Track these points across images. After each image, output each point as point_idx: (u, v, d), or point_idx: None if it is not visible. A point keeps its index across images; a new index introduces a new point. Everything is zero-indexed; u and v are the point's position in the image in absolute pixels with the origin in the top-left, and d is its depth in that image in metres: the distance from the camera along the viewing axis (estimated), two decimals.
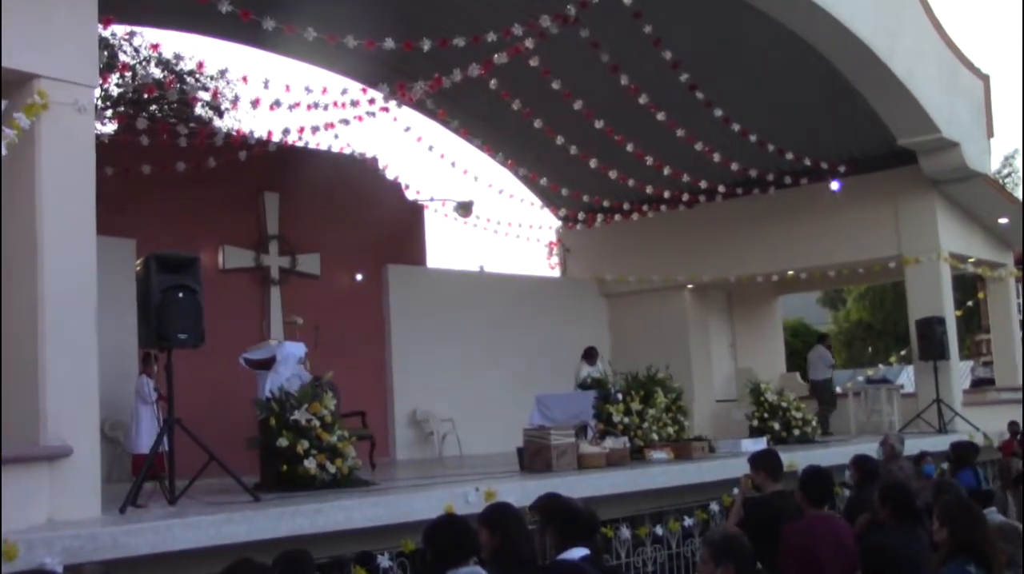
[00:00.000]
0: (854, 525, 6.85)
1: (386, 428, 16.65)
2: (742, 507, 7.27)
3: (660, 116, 14.54)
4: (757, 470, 7.15)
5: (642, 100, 14.22)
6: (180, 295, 7.97)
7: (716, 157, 15.60)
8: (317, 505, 7.62)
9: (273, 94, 12.59)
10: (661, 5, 13.67)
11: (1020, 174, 38.21)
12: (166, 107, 20.91)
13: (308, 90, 12.81)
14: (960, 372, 17.00)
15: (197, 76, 22.16)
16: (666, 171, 15.92)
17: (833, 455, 11.92)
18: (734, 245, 18.66)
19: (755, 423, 14.59)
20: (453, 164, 16.40)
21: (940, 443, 12.96)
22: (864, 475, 8.17)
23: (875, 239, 17.36)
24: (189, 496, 7.91)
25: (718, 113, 14.91)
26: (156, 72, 21.62)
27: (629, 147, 15.17)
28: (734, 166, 16.20)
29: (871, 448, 10.89)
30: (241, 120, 22.76)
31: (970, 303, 22.35)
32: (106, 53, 18.99)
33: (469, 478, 10.02)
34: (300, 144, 14.98)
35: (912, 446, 11.90)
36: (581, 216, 19.04)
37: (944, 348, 16.41)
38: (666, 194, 17.39)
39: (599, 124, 14.56)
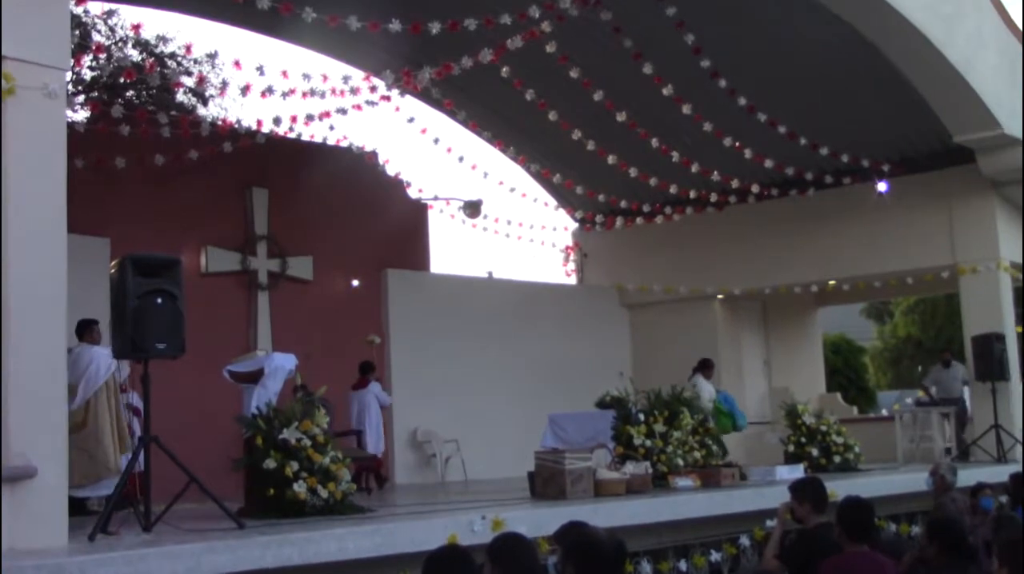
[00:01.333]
0: (899, 563, 6.82)
1: (384, 449, 16.63)
2: (780, 540, 7.23)
3: (686, 109, 14.53)
4: (800, 500, 7.12)
5: (667, 91, 14.21)
6: (158, 301, 7.96)
7: (747, 153, 15.59)
8: (307, 533, 7.59)
9: (267, 81, 12.63)
10: None
11: None
12: (145, 93, 20.96)
13: (306, 77, 12.84)
14: (1021, 395, 16.87)
15: (179, 59, 22.22)
16: (693, 168, 15.92)
17: (877, 485, 11.86)
18: (769, 252, 18.62)
19: (791, 449, 14.53)
20: (460, 159, 16.44)
21: (999, 474, 12.88)
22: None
23: (926, 246, 17.30)
24: (166, 522, 7.88)
25: (747, 103, 14.87)
26: (134, 54, 21.66)
27: (653, 142, 15.17)
28: (768, 163, 16.18)
29: (920, 478, 10.83)
30: (227, 108, 22.81)
31: None
32: (78, 33, 19.02)
33: (475, 505, 9.98)
34: (292, 135, 15.01)
35: (967, 477, 11.83)
36: (599, 218, 19.03)
37: (1004, 368, 16.33)
38: (692, 194, 17.37)
39: (620, 117, 14.55)
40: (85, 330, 11.31)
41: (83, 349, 11.14)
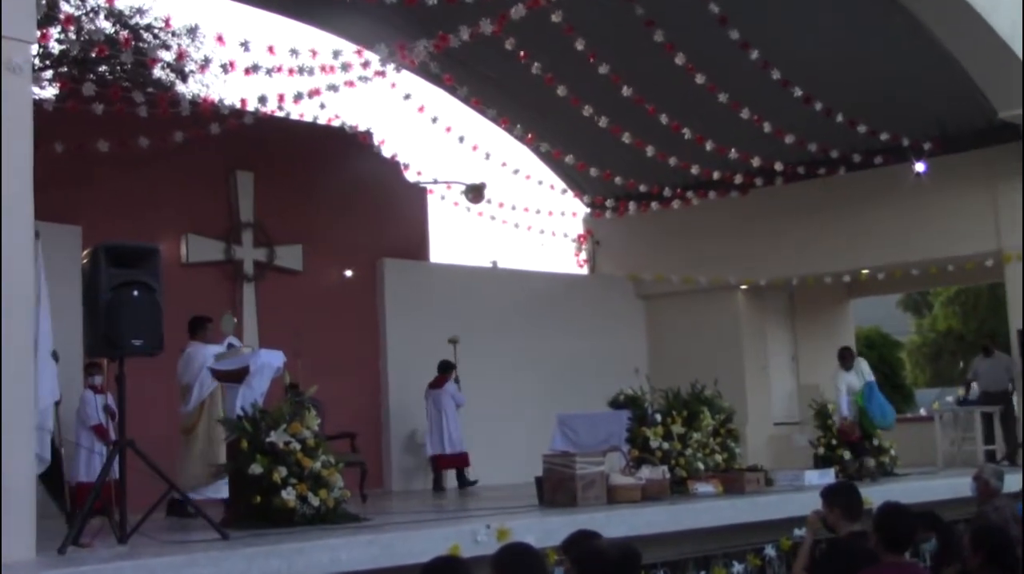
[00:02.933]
0: None
1: (380, 453, 16.65)
2: (810, 551, 7.21)
3: (700, 78, 14.49)
4: (832, 506, 7.10)
5: (680, 60, 14.18)
6: (135, 293, 7.96)
7: (767, 127, 15.53)
8: (297, 544, 7.60)
9: (252, 57, 12.63)
10: None
11: None
12: (119, 69, 20.93)
13: (294, 52, 12.81)
14: None
15: (157, 33, 22.19)
16: (709, 146, 15.87)
17: (915, 491, 11.85)
18: (797, 238, 18.60)
19: (821, 451, 14.52)
20: (461, 139, 16.42)
21: None
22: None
23: (968, 231, 17.27)
24: (143, 533, 7.89)
25: (775, 76, 14.83)
26: (106, 27, 21.63)
27: (664, 119, 15.12)
28: (790, 139, 16.10)
29: (962, 484, 10.81)
30: (209, 86, 22.79)
31: None
32: (44, 2, 18.97)
33: (479, 513, 9.99)
34: (280, 115, 14.99)
35: (1015, 482, 11.80)
36: (612, 202, 19.00)
37: None
38: (715, 175, 17.34)
39: (629, 91, 14.50)
40: (197, 328, 11.80)
41: (195, 349, 11.57)
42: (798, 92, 15.35)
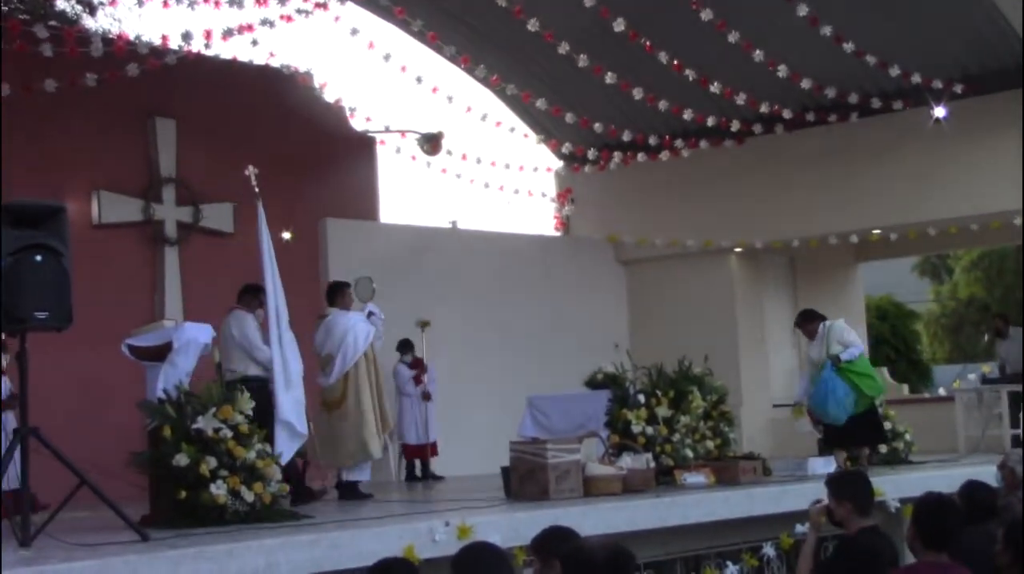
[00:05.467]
0: None
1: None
2: (814, 551, 7.25)
3: (705, 15, 14.46)
4: (840, 499, 7.13)
5: None
6: (38, 259, 7.90)
7: (782, 70, 15.53)
8: (228, 546, 7.58)
9: None
10: None
11: None
12: (16, 1, 20.68)
13: None
14: None
15: None
16: (715, 89, 15.86)
17: (933, 481, 11.90)
18: (799, 194, 18.64)
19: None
20: (418, 80, 16.34)
21: None
22: (975, 510, 8.16)
23: (994, 185, 17.33)
24: (50, 535, 7.85)
25: (802, 13, 14.76)
26: None
27: (661, 57, 15.09)
28: (806, 83, 16.12)
29: (987, 473, 10.88)
30: (121, 20, 22.55)
31: None
32: None
33: (438, 508, 10.00)
34: (206, 54, 14.89)
35: None
36: (592, 154, 18.97)
37: None
38: (711, 122, 17.33)
39: (619, 26, 14.47)
40: (336, 294, 12.53)
41: (336, 315, 12.32)
42: (827, 31, 15.29)
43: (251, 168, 11.31)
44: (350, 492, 12.01)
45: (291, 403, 10.66)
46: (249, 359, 11.54)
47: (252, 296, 12.08)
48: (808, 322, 13.91)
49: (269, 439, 10.90)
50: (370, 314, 12.64)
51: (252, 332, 11.61)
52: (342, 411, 12.16)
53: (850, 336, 13.52)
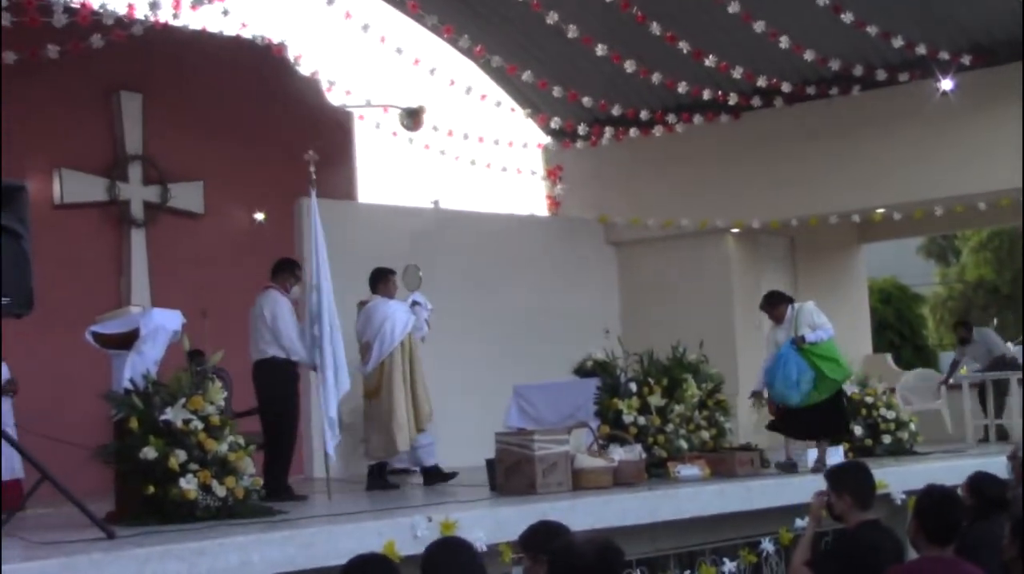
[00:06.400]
0: None
1: (300, 432, 16.60)
2: (812, 542, 7.27)
3: None
4: (839, 491, 7.16)
5: None
6: None
7: (784, 41, 15.51)
8: (198, 543, 7.59)
9: None
10: None
11: None
12: None
13: None
14: None
15: None
16: (710, 62, 15.85)
17: (939, 472, 11.97)
18: (798, 172, 18.63)
19: None
20: (399, 51, 16.30)
21: None
22: (984, 503, 8.19)
23: (1003, 162, 17.30)
24: (10, 533, 7.85)
25: None
26: None
27: (654, 27, 15.07)
28: (809, 55, 16.10)
29: (996, 463, 10.92)
30: None
31: None
32: None
33: (419, 504, 10.02)
34: (175, 24, 14.84)
35: None
36: (582, 130, 18.95)
37: None
38: (706, 95, 17.31)
39: None
40: (379, 281, 13.00)
41: (377, 303, 12.76)
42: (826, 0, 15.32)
43: (311, 153, 11.55)
44: (431, 476, 12.81)
45: (336, 400, 11.46)
46: (276, 343, 11.66)
47: (288, 273, 12.38)
48: (775, 305, 13.39)
49: (290, 423, 11.88)
50: (414, 303, 12.83)
51: (287, 316, 11.81)
52: (378, 401, 12.63)
53: (820, 319, 13.14)
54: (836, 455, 12.80)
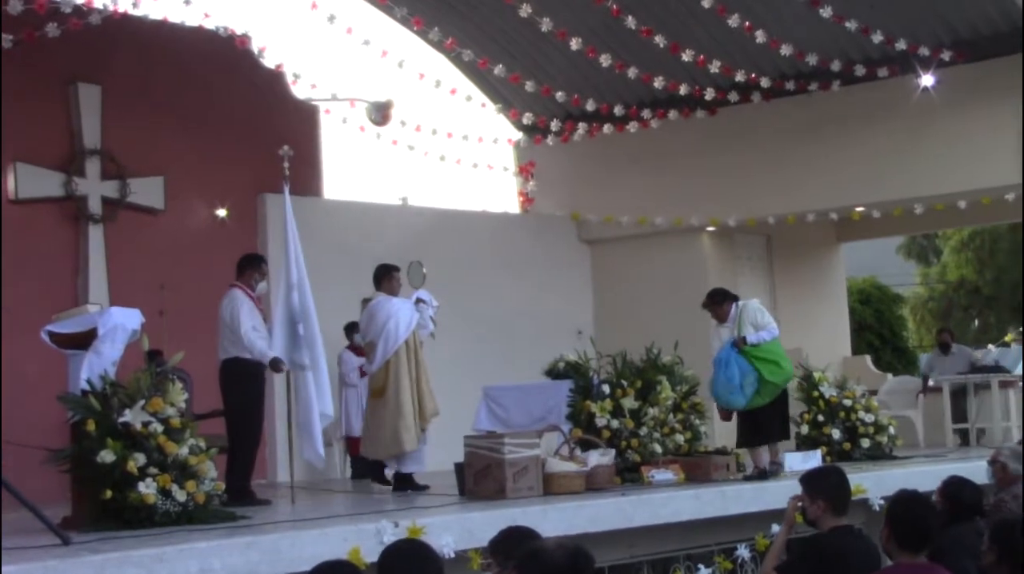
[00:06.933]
0: None
1: (264, 435, 16.58)
2: (785, 547, 7.29)
3: None
4: (814, 496, 7.18)
5: None
6: None
7: (760, 36, 15.56)
8: (158, 549, 7.56)
9: None
10: None
11: None
12: None
13: None
14: None
15: None
16: (686, 58, 15.88)
17: (919, 477, 12.01)
18: (776, 169, 18.69)
19: (805, 430, 14.68)
20: (366, 43, 16.29)
21: None
22: (959, 508, 8.24)
23: (985, 159, 17.41)
24: None
25: None
26: None
27: (629, 21, 15.09)
28: (786, 50, 16.14)
29: (977, 468, 10.97)
30: None
31: None
32: None
33: (385, 509, 10.00)
34: (134, 13, 14.80)
35: None
36: (555, 125, 18.97)
37: None
38: (682, 90, 17.35)
39: None
40: (383, 278, 12.92)
41: (380, 301, 12.72)
42: None
43: (286, 148, 11.73)
44: (404, 483, 12.45)
45: (303, 412, 11.53)
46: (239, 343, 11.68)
47: (254, 269, 12.24)
48: (718, 303, 12.98)
49: (254, 425, 11.80)
50: (419, 301, 12.82)
51: (245, 316, 11.65)
52: (384, 400, 12.54)
53: (764, 318, 12.81)
54: (813, 459, 12.83)
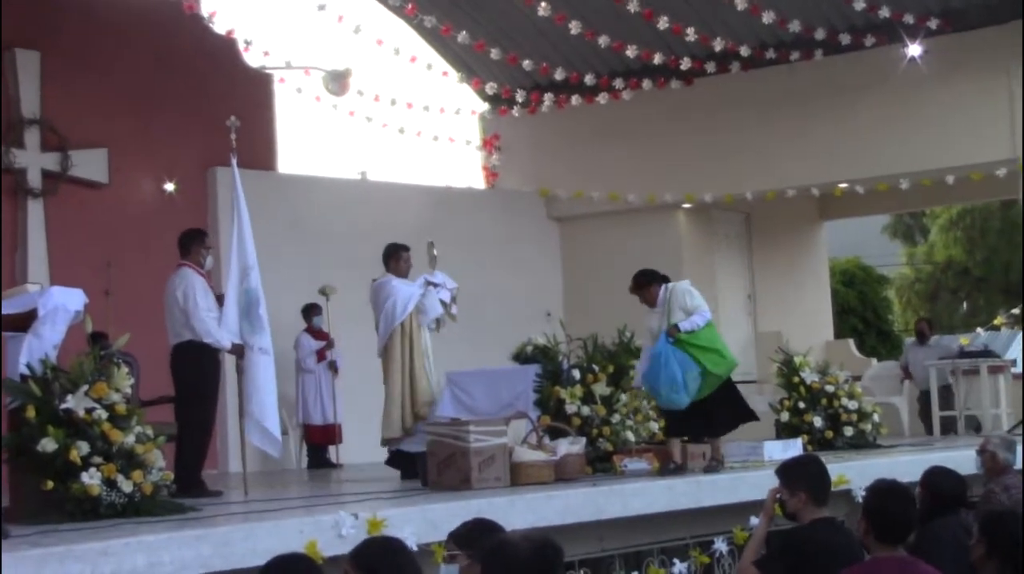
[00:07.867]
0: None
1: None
2: (762, 541, 7.33)
3: None
4: (793, 487, 7.21)
5: None
6: None
7: (740, 3, 15.59)
8: (103, 543, 7.54)
9: None
10: None
11: None
12: None
13: None
14: None
15: None
16: (662, 26, 15.89)
17: (904, 467, 12.07)
18: (755, 143, 18.72)
19: (785, 417, 14.75)
20: (321, 8, 16.28)
21: None
22: (940, 500, 8.29)
23: (975, 133, 17.47)
24: None
25: None
26: None
27: None
28: (768, 17, 16.17)
29: (964, 457, 11.03)
30: None
31: None
32: None
33: (345, 499, 10.01)
34: None
35: None
36: (520, 96, 18.94)
37: None
38: (657, 59, 17.35)
39: None
40: (391, 258, 13.26)
41: (382, 282, 13.08)
42: None
43: (232, 119, 11.70)
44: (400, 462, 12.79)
45: (263, 398, 11.26)
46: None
47: (199, 244, 12.11)
48: (643, 286, 12.36)
49: (207, 412, 11.88)
50: (427, 282, 12.94)
51: (199, 297, 11.59)
52: (390, 381, 13.02)
53: (695, 301, 12.12)
54: (794, 448, 12.88)
